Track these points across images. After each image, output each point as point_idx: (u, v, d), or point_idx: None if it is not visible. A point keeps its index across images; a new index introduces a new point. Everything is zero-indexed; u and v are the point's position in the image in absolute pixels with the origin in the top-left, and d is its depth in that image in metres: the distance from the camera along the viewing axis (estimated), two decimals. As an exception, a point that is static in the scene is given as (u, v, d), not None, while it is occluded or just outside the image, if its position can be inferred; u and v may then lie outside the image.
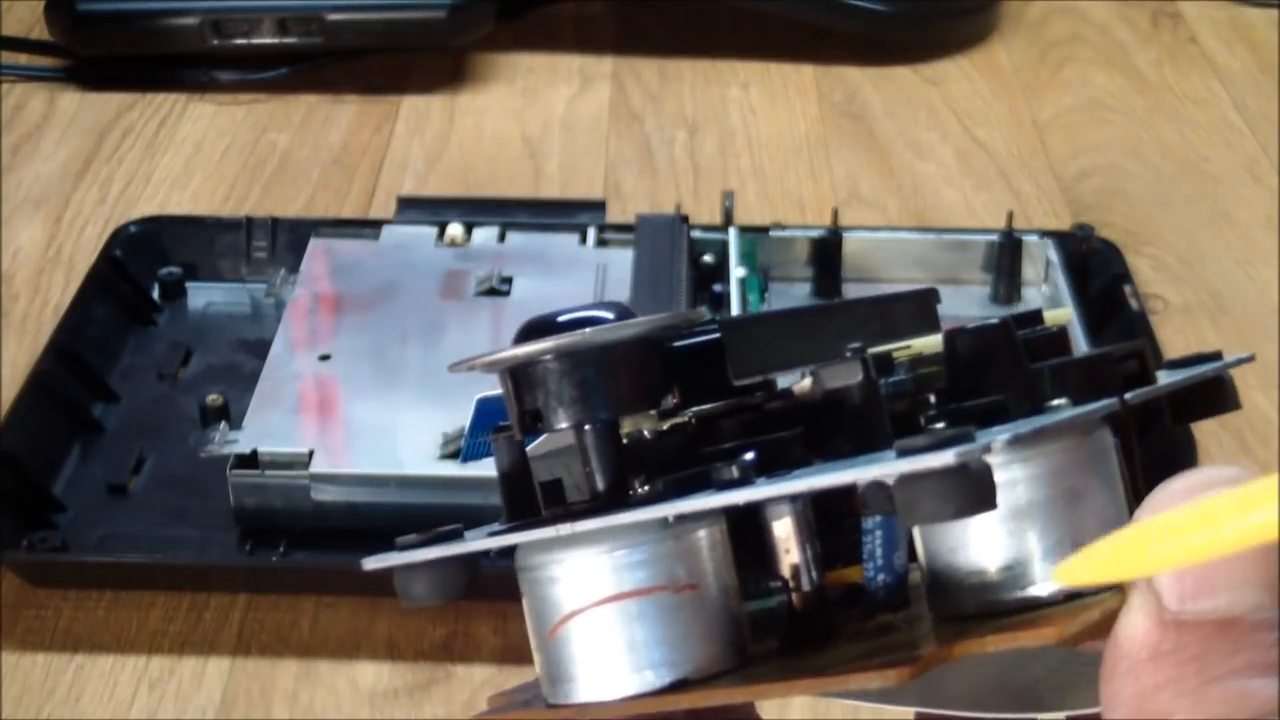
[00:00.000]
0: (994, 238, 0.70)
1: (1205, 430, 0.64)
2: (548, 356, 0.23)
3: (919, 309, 0.27)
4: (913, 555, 0.25)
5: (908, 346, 0.26)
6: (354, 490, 0.58)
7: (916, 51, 0.93)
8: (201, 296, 0.71)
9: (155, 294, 0.71)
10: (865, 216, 0.78)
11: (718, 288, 0.69)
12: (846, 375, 0.24)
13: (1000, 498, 0.22)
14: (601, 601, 0.22)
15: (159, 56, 0.88)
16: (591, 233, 0.72)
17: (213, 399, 0.63)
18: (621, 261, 0.68)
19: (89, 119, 0.86)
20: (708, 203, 0.78)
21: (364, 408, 0.61)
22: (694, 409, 0.25)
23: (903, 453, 0.20)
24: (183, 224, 0.74)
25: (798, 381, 0.26)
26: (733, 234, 0.70)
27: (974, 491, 0.20)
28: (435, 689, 0.54)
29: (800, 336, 0.26)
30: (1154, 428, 0.27)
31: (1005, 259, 0.70)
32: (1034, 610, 0.23)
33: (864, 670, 0.22)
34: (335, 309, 0.67)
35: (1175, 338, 0.69)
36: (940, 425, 0.24)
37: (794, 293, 0.71)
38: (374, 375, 0.63)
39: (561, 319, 0.24)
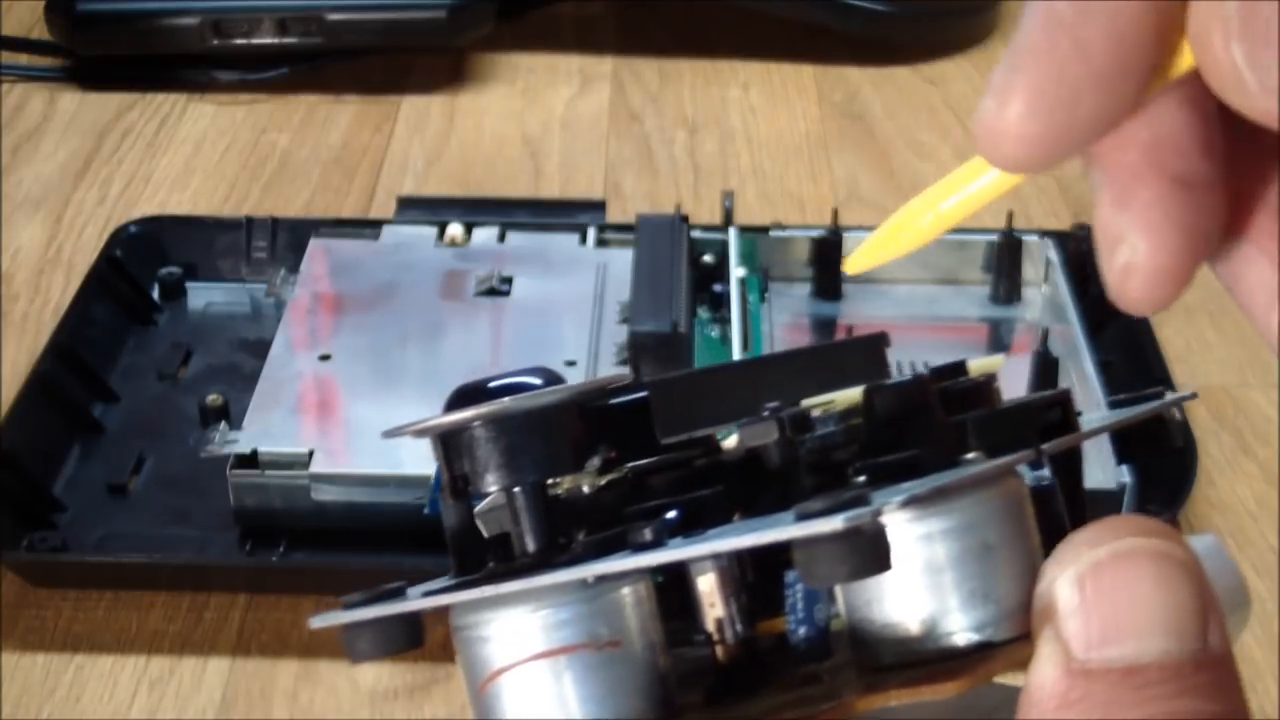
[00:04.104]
0: (994, 238, 0.70)
1: (1206, 430, 0.64)
2: (475, 424, 0.24)
3: (866, 355, 0.28)
4: None
5: (831, 401, 0.27)
6: (354, 490, 0.58)
7: (916, 51, 0.93)
8: (201, 296, 0.71)
9: (155, 294, 0.71)
10: (865, 216, 0.78)
11: (718, 288, 0.69)
12: (763, 435, 0.25)
13: (913, 552, 0.23)
14: (526, 660, 0.23)
15: (159, 56, 0.88)
16: (591, 233, 0.72)
17: (213, 399, 0.63)
18: (621, 261, 0.68)
19: (89, 119, 0.86)
20: (708, 203, 0.78)
21: (364, 408, 0.61)
22: (632, 464, 0.26)
23: (800, 516, 0.21)
24: (183, 224, 0.74)
25: (725, 438, 0.27)
26: (733, 234, 0.70)
27: (867, 554, 0.21)
28: (435, 689, 0.54)
29: (732, 393, 0.26)
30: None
31: (1005, 259, 0.70)
32: (950, 660, 0.23)
33: None
34: (335, 309, 0.67)
35: (1175, 338, 0.69)
36: (860, 479, 0.24)
37: (794, 292, 0.71)
38: (374, 375, 0.63)
39: (491, 385, 0.26)
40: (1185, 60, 0.22)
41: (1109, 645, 0.21)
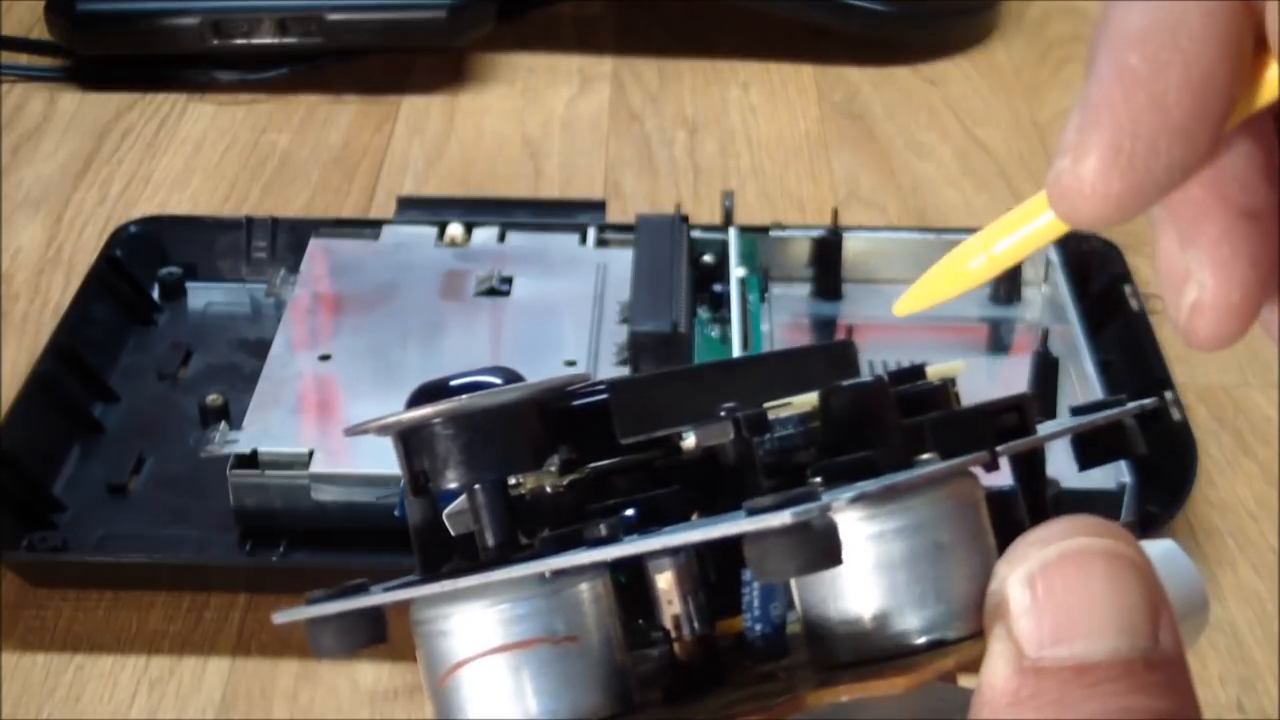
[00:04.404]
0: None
1: (1206, 430, 0.64)
2: (435, 421, 0.24)
3: (832, 361, 0.28)
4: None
5: (789, 403, 0.27)
6: (354, 490, 0.58)
7: (916, 51, 0.93)
8: (201, 296, 0.71)
9: (155, 294, 0.71)
10: (865, 216, 0.78)
11: (718, 288, 0.69)
12: (719, 434, 0.25)
13: (866, 550, 0.23)
14: (483, 654, 0.24)
15: (159, 56, 0.88)
16: (591, 233, 0.72)
17: (213, 399, 0.63)
18: (621, 261, 0.68)
19: (89, 119, 0.86)
20: (708, 203, 0.78)
21: (364, 408, 0.61)
22: (594, 464, 0.26)
23: (750, 512, 0.21)
24: (183, 224, 0.74)
25: (686, 439, 0.27)
26: (733, 234, 0.70)
27: (816, 549, 0.21)
28: (435, 689, 0.54)
29: (694, 395, 0.27)
30: (1155, 427, 0.28)
31: (1005, 259, 0.70)
32: (904, 658, 0.24)
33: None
34: (335, 309, 0.67)
35: (1175, 338, 0.69)
36: (817, 479, 0.25)
37: (794, 292, 0.71)
38: (374, 375, 0.63)
39: (452, 384, 0.26)
40: (1263, 95, 0.21)
41: (1060, 644, 0.22)
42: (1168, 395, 0.61)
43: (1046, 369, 0.60)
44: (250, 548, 0.58)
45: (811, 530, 0.21)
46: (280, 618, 0.24)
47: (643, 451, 0.27)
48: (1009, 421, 0.26)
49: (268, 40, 0.86)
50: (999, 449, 0.25)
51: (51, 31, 0.88)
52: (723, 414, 0.25)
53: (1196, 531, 0.60)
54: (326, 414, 0.61)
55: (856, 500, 0.23)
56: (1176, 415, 0.60)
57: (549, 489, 0.26)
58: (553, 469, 0.26)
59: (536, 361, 0.63)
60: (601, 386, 0.26)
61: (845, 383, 0.26)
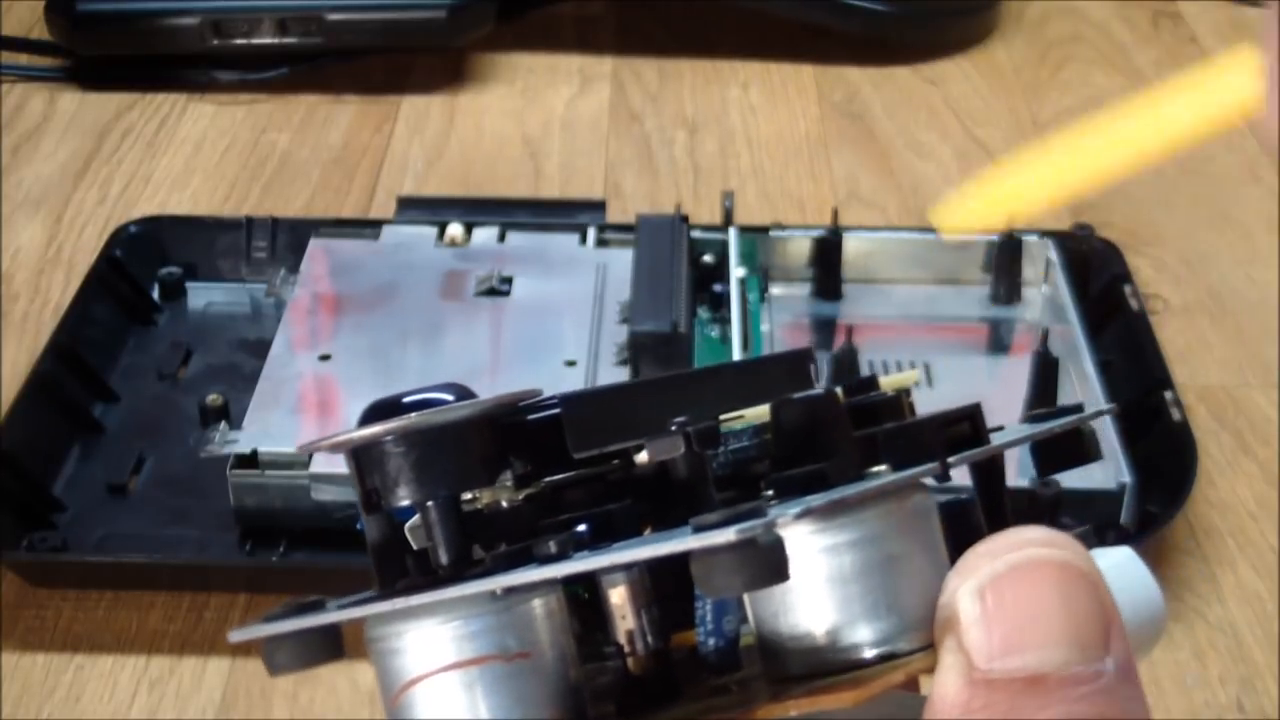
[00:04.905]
0: (994, 238, 0.70)
1: (1205, 430, 0.64)
2: (385, 439, 0.25)
3: (789, 371, 0.28)
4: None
5: (741, 416, 0.27)
6: (353, 490, 0.57)
7: (916, 51, 0.93)
8: (201, 296, 0.71)
9: (155, 294, 0.71)
10: (865, 216, 0.78)
11: (718, 288, 0.69)
12: (670, 449, 0.25)
13: (817, 564, 0.23)
14: (436, 671, 0.24)
15: (159, 56, 0.88)
16: (591, 233, 0.72)
17: (213, 399, 0.63)
18: (621, 261, 0.68)
19: (89, 119, 0.86)
20: (708, 203, 0.78)
21: (364, 407, 0.60)
22: (549, 479, 0.26)
23: (696, 529, 0.21)
24: (183, 224, 0.74)
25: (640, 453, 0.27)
26: (733, 234, 0.70)
27: (762, 565, 0.21)
28: (435, 689, 0.54)
29: (648, 408, 0.26)
30: (1155, 427, 0.28)
31: (1005, 259, 0.70)
32: (855, 671, 0.23)
33: None
34: (335, 309, 0.67)
35: (1175, 338, 0.69)
36: (769, 493, 0.25)
37: (794, 292, 0.71)
38: (374, 375, 0.63)
39: (405, 400, 0.27)
40: None
41: (1010, 655, 0.22)
42: (1168, 395, 0.61)
43: (1046, 369, 0.61)
44: (250, 548, 0.58)
45: (757, 547, 0.21)
46: (236, 635, 0.24)
47: (597, 465, 0.27)
48: (962, 431, 0.26)
49: (268, 40, 0.86)
50: (951, 460, 0.25)
51: (51, 31, 0.88)
52: (674, 428, 0.25)
53: (1196, 531, 0.60)
54: (326, 414, 0.61)
55: (803, 515, 0.23)
56: (1176, 415, 0.60)
57: (505, 503, 0.26)
58: (508, 484, 0.26)
59: (536, 361, 0.63)
60: (554, 401, 0.26)
61: (795, 395, 0.26)
